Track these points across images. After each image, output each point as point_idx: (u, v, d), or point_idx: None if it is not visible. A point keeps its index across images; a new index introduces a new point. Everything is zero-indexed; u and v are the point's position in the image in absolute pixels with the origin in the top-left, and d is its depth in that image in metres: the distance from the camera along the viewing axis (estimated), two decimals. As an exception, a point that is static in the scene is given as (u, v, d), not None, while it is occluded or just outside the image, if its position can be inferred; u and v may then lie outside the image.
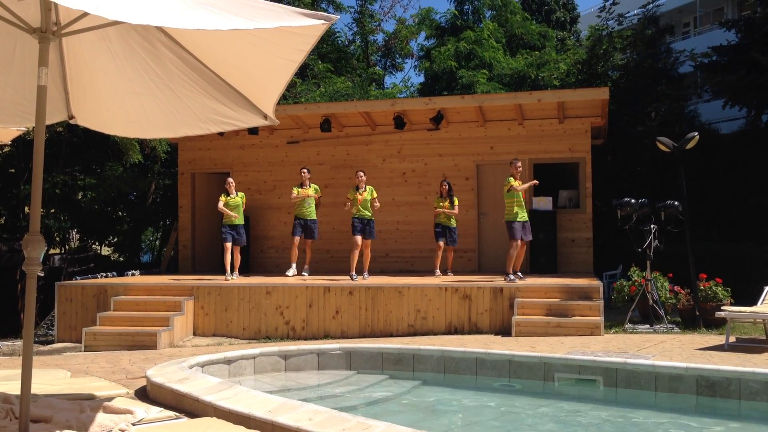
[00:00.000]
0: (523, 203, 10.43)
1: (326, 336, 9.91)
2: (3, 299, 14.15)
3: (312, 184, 11.74)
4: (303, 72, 19.44)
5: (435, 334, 9.65)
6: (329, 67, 20.33)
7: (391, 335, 9.74)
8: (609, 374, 6.30)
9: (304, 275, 11.63)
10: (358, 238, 10.85)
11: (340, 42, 22.65)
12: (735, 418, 5.59)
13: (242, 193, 11.75)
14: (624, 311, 10.11)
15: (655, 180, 14.45)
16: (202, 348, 9.05)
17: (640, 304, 9.90)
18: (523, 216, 10.34)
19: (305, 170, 11.66)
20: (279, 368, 7.04)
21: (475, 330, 9.62)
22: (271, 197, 14.02)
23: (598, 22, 18.04)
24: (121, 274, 13.44)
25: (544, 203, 12.43)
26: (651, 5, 17.36)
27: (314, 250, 12.32)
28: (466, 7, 21.58)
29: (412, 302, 9.83)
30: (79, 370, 6.84)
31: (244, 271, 13.25)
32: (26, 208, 15.90)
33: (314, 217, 11.65)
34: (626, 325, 9.57)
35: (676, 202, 10.09)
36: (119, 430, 4.03)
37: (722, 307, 8.33)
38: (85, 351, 9.40)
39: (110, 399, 4.88)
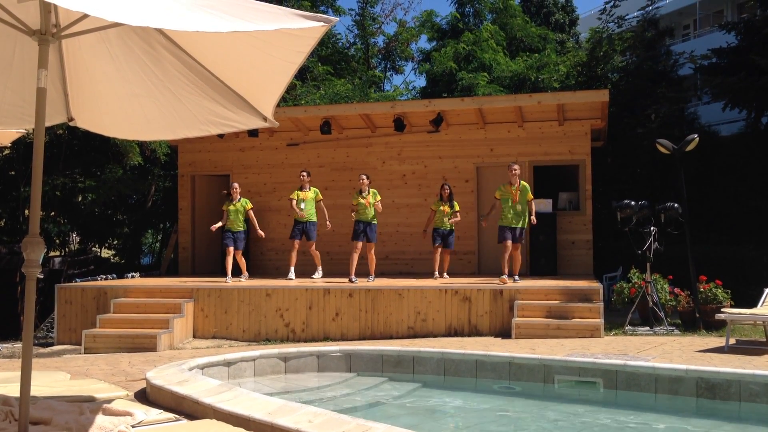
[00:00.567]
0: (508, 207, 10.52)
1: (326, 338, 9.90)
2: (3, 301, 14.15)
3: (312, 187, 11.72)
4: (303, 74, 19.46)
5: (435, 336, 9.64)
6: (329, 69, 20.36)
7: (391, 337, 9.73)
8: (609, 376, 6.29)
9: (313, 277, 11.58)
10: (359, 244, 10.85)
11: (340, 44, 22.68)
12: (735, 420, 5.59)
13: (245, 199, 11.74)
14: (624, 313, 10.11)
15: (655, 182, 14.45)
16: (202, 350, 9.04)
17: (640, 306, 9.90)
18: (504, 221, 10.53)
19: (305, 173, 11.64)
20: (279, 370, 7.03)
21: (475, 332, 9.61)
22: (271, 199, 14.02)
23: (598, 24, 18.06)
24: (121, 276, 13.44)
25: (544, 205, 12.43)
26: (650, 7, 17.39)
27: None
28: (467, 9, 21.62)
29: (412, 304, 9.82)
30: (78, 372, 6.83)
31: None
32: (26, 211, 15.90)
33: (313, 219, 11.60)
34: (626, 327, 9.57)
35: (675, 204, 10.09)
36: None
37: (722, 309, 8.32)
38: (84, 353, 9.40)
39: (110, 401, 4.88)
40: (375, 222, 11.02)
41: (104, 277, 12.89)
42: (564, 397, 6.34)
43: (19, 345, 10.47)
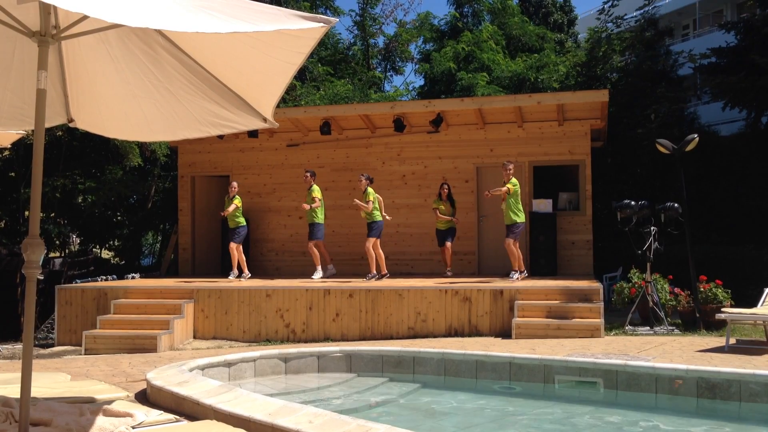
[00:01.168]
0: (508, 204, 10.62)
1: (326, 339, 9.90)
2: (3, 303, 14.14)
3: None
4: (302, 75, 19.47)
5: (435, 336, 9.64)
6: (329, 70, 20.36)
7: (391, 338, 9.73)
8: (609, 376, 6.29)
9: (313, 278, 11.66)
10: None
11: (340, 45, 22.68)
12: (735, 419, 5.59)
13: (237, 197, 11.79)
14: (624, 313, 10.11)
15: (655, 182, 14.45)
16: (202, 351, 9.04)
17: (640, 306, 9.90)
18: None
19: (308, 173, 11.71)
20: (279, 371, 7.03)
21: (475, 332, 9.61)
22: (271, 200, 14.02)
23: (597, 24, 18.06)
24: (121, 277, 13.44)
25: (543, 205, 12.43)
26: (649, 7, 17.39)
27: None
28: (465, 9, 21.62)
29: (412, 305, 9.82)
30: (79, 374, 6.83)
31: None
32: (26, 212, 15.91)
33: (316, 220, 11.68)
34: (626, 327, 9.57)
35: (675, 204, 10.09)
36: (119, 433, 4.03)
37: (722, 309, 8.32)
38: (85, 354, 9.40)
39: (110, 402, 4.88)
40: (374, 220, 11.13)
41: (104, 278, 12.89)
42: (564, 397, 6.33)
43: (19, 346, 10.47)
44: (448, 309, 9.73)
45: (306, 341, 9.86)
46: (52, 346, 10.46)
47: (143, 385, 5.85)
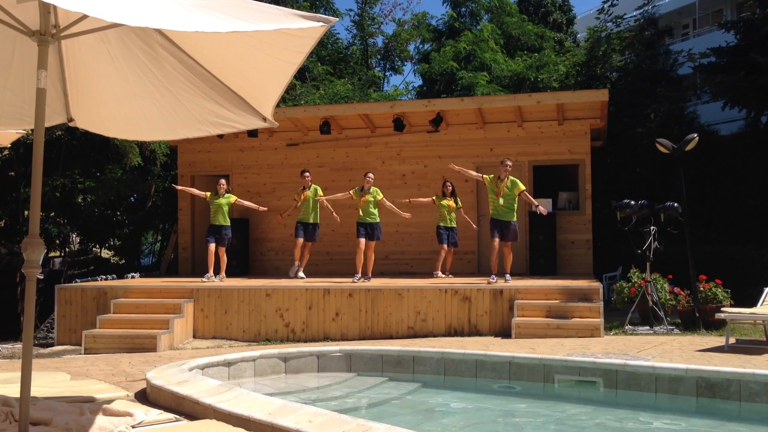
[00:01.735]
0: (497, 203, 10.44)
1: (326, 338, 9.90)
2: (3, 302, 14.14)
3: (313, 185, 11.77)
4: (302, 74, 19.46)
5: (435, 336, 9.64)
6: (329, 69, 20.36)
7: (391, 337, 9.73)
8: (609, 376, 6.29)
9: (301, 276, 11.66)
10: (362, 241, 10.93)
11: (339, 44, 22.68)
12: (735, 419, 5.59)
13: (230, 194, 11.74)
14: (624, 313, 10.11)
15: (655, 182, 14.45)
16: (202, 350, 9.04)
17: (639, 305, 9.90)
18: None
19: (307, 173, 11.70)
20: (279, 370, 7.03)
21: (474, 332, 9.61)
22: (271, 199, 14.00)
23: (596, 24, 18.06)
24: (121, 276, 13.44)
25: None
26: (648, 6, 17.38)
27: (313, 252, 12.33)
28: (462, 9, 21.62)
29: (412, 304, 9.82)
30: (78, 373, 6.83)
31: (244, 273, 13.26)
32: (26, 212, 15.91)
33: (314, 221, 11.69)
34: (626, 327, 9.57)
35: (675, 204, 10.09)
36: (119, 432, 4.03)
37: (722, 309, 8.32)
38: (84, 354, 9.40)
39: (110, 401, 4.88)
40: (376, 222, 11.15)
41: (104, 277, 12.90)
42: (564, 396, 6.33)
43: (19, 345, 10.46)
44: (448, 308, 9.73)
45: (306, 341, 9.86)
46: (52, 345, 10.46)
47: (143, 385, 5.85)
